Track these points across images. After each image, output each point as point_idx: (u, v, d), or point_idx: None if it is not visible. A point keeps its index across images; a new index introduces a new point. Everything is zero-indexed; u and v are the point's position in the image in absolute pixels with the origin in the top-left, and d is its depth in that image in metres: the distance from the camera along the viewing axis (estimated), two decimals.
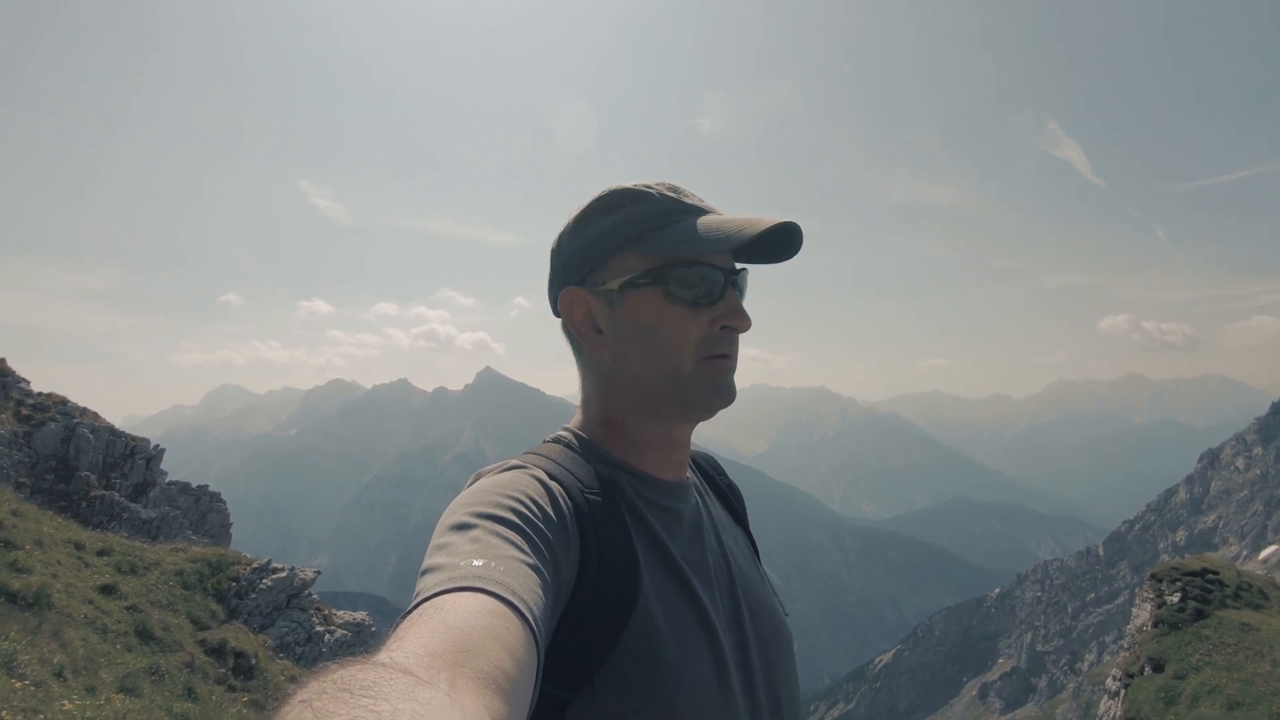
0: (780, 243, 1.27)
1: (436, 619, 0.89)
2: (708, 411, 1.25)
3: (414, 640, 0.89)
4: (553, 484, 1.13)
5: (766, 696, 1.22)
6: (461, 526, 0.98)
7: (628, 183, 1.28)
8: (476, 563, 0.90)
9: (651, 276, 1.21)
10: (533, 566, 0.94)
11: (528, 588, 0.90)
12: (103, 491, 17.28)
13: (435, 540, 0.98)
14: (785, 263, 1.34)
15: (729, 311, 1.23)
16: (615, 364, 1.25)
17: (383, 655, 0.89)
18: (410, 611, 0.89)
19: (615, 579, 1.09)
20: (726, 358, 1.23)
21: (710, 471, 1.52)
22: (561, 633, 1.03)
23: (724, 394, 1.24)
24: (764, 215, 1.22)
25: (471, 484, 1.14)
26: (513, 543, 0.96)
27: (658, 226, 1.23)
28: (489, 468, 1.19)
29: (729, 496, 1.51)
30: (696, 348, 1.21)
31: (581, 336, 1.27)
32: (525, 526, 1.00)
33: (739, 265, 1.29)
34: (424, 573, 0.92)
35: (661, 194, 1.25)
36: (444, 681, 0.89)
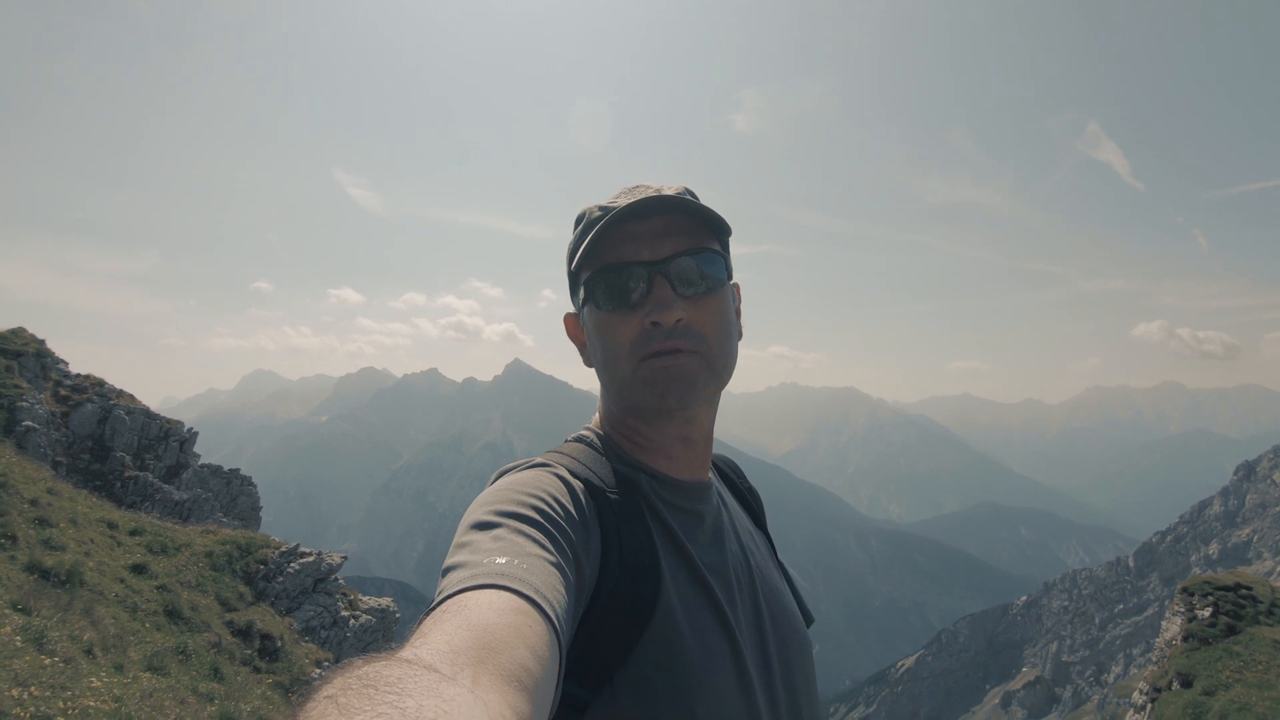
0: (684, 213, 1.23)
1: (459, 616, 0.90)
2: (658, 412, 1.23)
3: (437, 637, 0.89)
4: (575, 482, 1.14)
5: (787, 701, 1.22)
6: (484, 525, 0.98)
7: (591, 202, 1.31)
8: (499, 560, 0.91)
9: (585, 290, 1.24)
10: (555, 565, 0.93)
11: (551, 586, 0.91)
12: (137, 472, 17.63)
13: (458, 538, 0.98)
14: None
15: (653, 306, 1.19)
16: (598, 377, 1.31)
17: (406, 652, 0.90)
18: (433, 609, 0.90)
19: (636, 579, 1.09)
20: (661, 355, 1.19)
21: (730, 474, 1.53)
22: (583, 633, 1.03)
23: (666, 392, 1.19)
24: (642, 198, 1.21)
25: (494, 481, 1.14)
26: (536, 541, 0.96)
27: (584, 240, 1.25)
28: (512, 465, 1.19)
29: (749, 500, 1.53)
30: (631, 350, 1.20)
31: (580, 352, 1.35)
32: (548, 525, 1.00)
33: (692, 248, 1.22)
34: (447, 570, 0.92)
35: (593, 209, 1.27)
36: (467, 678, 0.89)
